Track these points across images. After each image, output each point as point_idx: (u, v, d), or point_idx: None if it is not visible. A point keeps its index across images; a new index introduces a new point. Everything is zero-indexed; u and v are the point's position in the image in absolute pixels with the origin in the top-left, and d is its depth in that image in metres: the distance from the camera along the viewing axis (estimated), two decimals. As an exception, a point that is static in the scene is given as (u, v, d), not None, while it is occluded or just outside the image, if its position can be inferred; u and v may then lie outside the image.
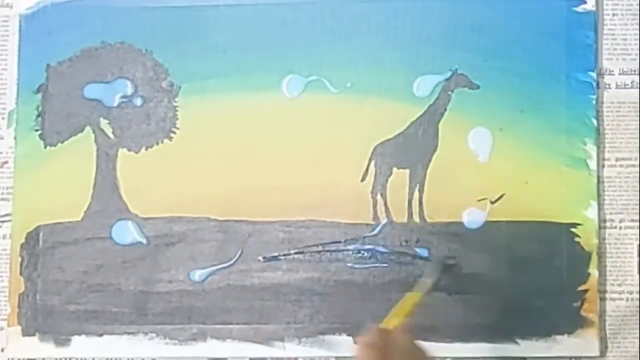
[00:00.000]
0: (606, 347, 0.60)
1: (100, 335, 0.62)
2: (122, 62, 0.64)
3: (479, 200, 0.61)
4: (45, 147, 0.64)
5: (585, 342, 0.60)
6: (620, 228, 0.61)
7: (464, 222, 0.61)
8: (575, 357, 0.60)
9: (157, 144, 0.63)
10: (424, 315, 0.60)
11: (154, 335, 0.62)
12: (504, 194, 0.61)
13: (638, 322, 0.61)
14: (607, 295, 0.61)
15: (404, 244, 0.61)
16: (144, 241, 0.63)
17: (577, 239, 0.60)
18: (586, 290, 0.60)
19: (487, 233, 0.61)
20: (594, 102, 0.61)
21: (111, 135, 0.64)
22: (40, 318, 0.62)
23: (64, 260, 0.63)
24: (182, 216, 0.63)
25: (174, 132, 0.63)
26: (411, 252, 0.61)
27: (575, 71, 0.61)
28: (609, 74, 0.62)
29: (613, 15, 0.63)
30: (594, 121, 0.61)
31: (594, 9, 0.62)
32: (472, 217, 0.61)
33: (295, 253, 0.62)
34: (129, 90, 0.64)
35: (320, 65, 0.63)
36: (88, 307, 0.62)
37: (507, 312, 0.60)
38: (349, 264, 0.61)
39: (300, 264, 0.62)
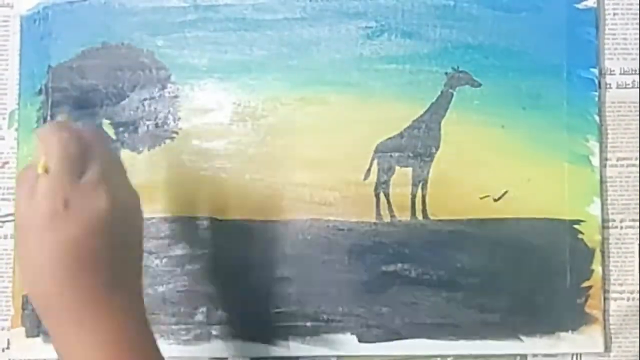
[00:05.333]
0: (611, 344, 0.60)
1: (103, 335, 0.62)
2: (123, 63, 0.64)
3: (481, 198, 0.61)
4: (47, 147, 0.64)
5: (589, 338, 0.60)
6: (621, 228, 0.61)
7: (467, 220, 0.61)
8: (580, 354, 0.60)
9: (159, 144, 0.63)
10: (427, 313, 0.60)
11: (156, 335, 0.61)
12: (506, 191, 0.61)
13: (639, 322, 0.61)
14: (609, 295, 0.61)
15: (407, 242, 0.61)
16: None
17: (580, 236, 0.60)
18: (590, 287, 0.60)
19: (491, 230, 0.61)
20: (595, 98, 0.62)
21: (113, 136, 0.64)
22: (42, 319, 0.62)
23: (65, 260, 0.63)
24: (183, 216, 0.63)
25: (176, 133, 0.63)
26: (415, 250, 0.61)
27: (577, 68, 0.62)
28: (610, 74, 0.63)
29: (614, 14, 0.63)
30: (596, 118, 0.61)
31: (595, 5, 0.62)
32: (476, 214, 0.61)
33: (297, 253, 0.62)
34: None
35: (321, 64, 0.63)
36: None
37: (511, 309, 0.60)
38: (352, 263, 0.61)
39: (301, 264, 0.62)
